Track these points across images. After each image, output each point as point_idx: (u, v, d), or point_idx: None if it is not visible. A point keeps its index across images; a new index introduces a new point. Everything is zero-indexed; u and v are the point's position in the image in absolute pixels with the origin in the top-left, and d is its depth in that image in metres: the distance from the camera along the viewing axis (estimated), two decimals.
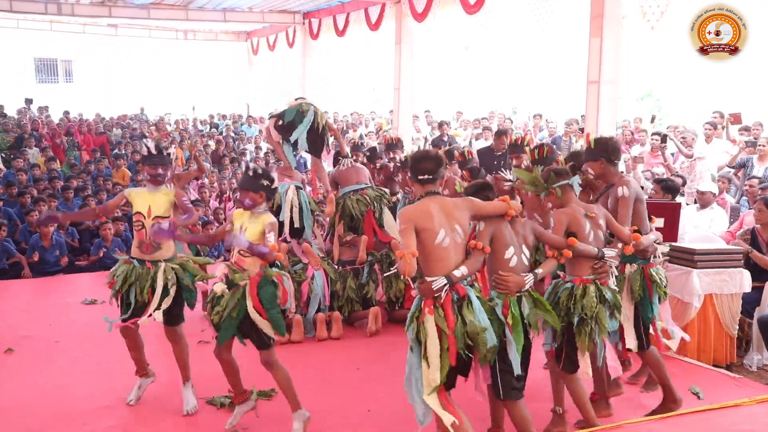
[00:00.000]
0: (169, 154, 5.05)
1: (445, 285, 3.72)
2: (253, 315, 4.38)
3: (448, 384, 3.80)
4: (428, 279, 3.75)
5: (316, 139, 6.79)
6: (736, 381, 5.66)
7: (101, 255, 9.64)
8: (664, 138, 10.84)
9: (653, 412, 4.84)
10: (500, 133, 8.87)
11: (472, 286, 3.89)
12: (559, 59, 21.30)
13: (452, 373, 3.78)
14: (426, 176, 3.92)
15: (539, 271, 4.13)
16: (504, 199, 4.08)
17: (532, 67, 23.65)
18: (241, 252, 4.41)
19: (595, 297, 4.28)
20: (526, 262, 4.13)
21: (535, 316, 4.04)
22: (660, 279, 4.85)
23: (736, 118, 11.24)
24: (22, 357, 6.13)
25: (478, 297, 3.85)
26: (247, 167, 4.53)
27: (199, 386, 5.16)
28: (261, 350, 4.48)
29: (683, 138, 10.85)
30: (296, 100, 6.93)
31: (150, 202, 4.84)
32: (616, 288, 4.53)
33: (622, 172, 4.91)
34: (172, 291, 4.81)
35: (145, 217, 4.81)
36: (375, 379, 5.62)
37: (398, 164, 7.89)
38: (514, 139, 6.93)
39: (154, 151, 4.91)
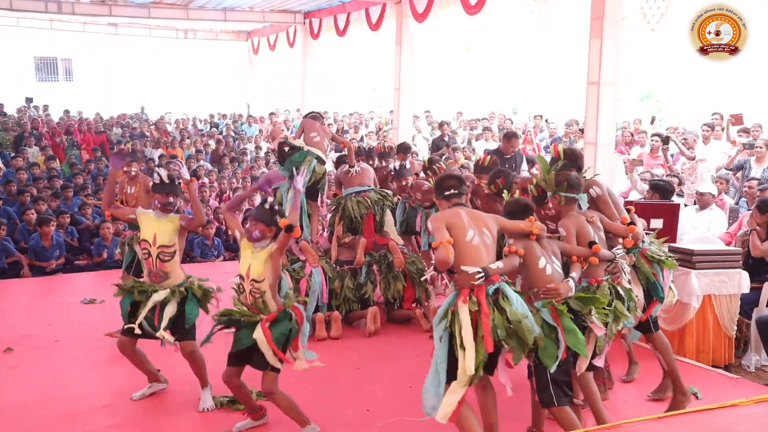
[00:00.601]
0: (179, 184, 5.04)
1: (482, 275, 3.87)
2: (262, 346, 4.34)
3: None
4: (464, 269, 3.89)
5: (314, 190, 7.25)
6: (734, 381, 5.68)
7: (105, 257, 9.65)
8: (666, 139, 10.85)
9: (668, 409, 4.88)
10: (509, 136, 8.81)
11: (506, 282, 4.03)
12: (559, 60, 21.32)
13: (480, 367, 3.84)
14: (452, 191, 4.22)
15: (574, 274, 4.33)
16: (530, 220, 4.27)
17: (533, 68, 23.67)
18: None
19: (609, 291, 4.45)
20: (560, 270, 4.32)
21: (585, 305, 4.21)
22: (661, 255, 5.01)
23: (737, 119, 11.25)
24: (22, 356, 6.13)
25: (514, 290, 4.01)
26: (264, 201, 4.45)
27: (198, 386, 5.17)
28: (264, 377, 4.43)
29: (684, 139, 10.86)
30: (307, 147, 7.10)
31: (156, 229, 4.87)
32: (629, 286, 4.66)
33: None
34: (171, 308, 4.83)
35: (150, 245, 4.86)
36: (374, 380, 5.63)
37: (392, 172, 7.90)
38: (478, 160, 7.00)
39: (166, 180, 4.93)
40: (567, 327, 4.07)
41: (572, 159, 4.97)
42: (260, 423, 4.74)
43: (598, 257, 4.44)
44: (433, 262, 3.99)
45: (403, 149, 8.59)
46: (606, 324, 4.32)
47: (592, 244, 4.45)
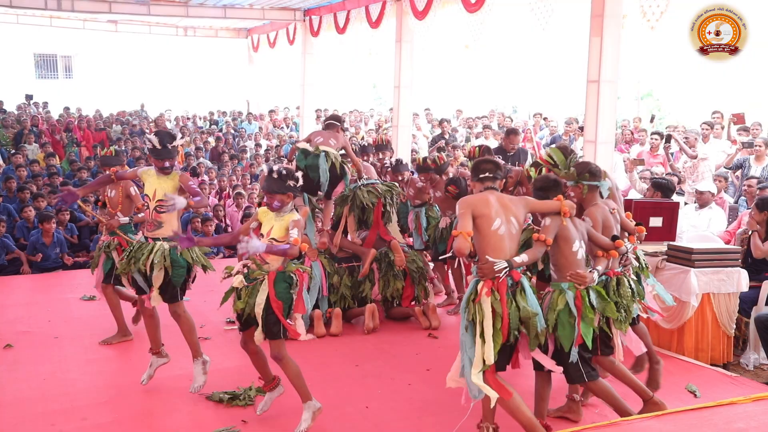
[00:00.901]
0: (174, 147, 5.12)
1: (506, 268, 4.03)
2: (258, 310, 4.39)
3: (498, 365, 4.07)
4: (491, 260, 4.03)
5: (335, 181, 6.91)
6: (733, 380, 5.69)
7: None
8: (668, 138, 10.84)
9: (648, 379, 5.06)
10: (510, 132, 8.84)
11: (525, 274, 4.15)
12: (559, 58, 21.28)
13: (501, 355, 4.06)
14: (486, 174, 4.30)
15: (600, 268, 4.46)
16: (558, 199, 4.32)
17: (533, 66, 23.64)
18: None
19: (629, 287, 4.64)
20: (586, 256, 4.45)
21: (604, 305, 4.37)
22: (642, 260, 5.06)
23: (739, 118, 11.23)
24: (22, 352, 6.14)
25: (530, 285, 4.18)
26: (271, 170, 4.48)
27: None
28: (271, 343, 4.47)
29: (686, 138, 10.86)
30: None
31: (156, 185, 5.08)
32: (635, 278, 4.80)
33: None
34: (159, 269, 4.98)
35: (150, 200, 5.08)
36: (373, 376, 5.64)
37: (387, 166, 7.92)
38: (468, 152, 7.04)
39: (158, 146, 5.04)
40: (585, 315, 4.25)
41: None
42: (277, 393, 4.80)
43: (618, 251, 4.54)
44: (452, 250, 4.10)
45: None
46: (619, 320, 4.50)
47: (615, 238, 4.55)
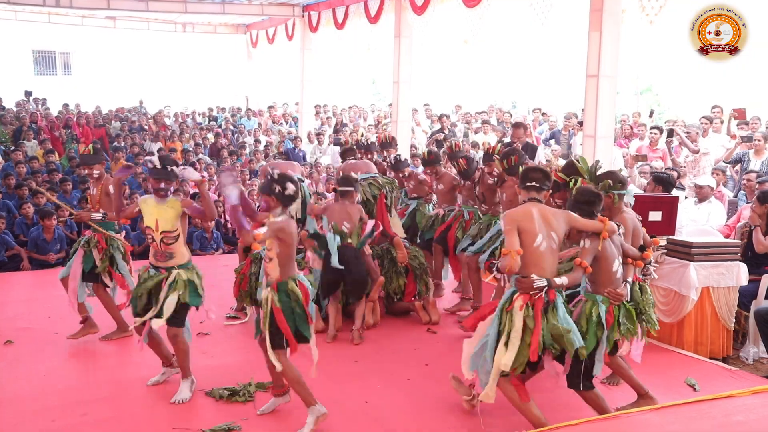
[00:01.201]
0: (173, 171, 5.06)
1: (545, 287, 4.13)
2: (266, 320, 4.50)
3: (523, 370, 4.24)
4: (533, 276, 4.13)
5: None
6: (732, 373, 5.70)
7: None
8: (670, 133, 10.83)
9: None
10: (517, 125, 8.83)
11: (559, 292, 4.22)
12: (558, 53, 21.27)
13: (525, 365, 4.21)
14: (533, 184, 4.37)
15: (630, 280, 4.58)
16: (602, 220, 4.36)
17: (532, 61, 23.60)
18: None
19: (650, 295, 4.84)
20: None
21: (629, 325, 4.48)
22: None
23: (740, 114, 11.21)
24: (21, 348, 6.15)
25: (564, 303, 4.26)
26: (269, 174, 4.57)
27: (199, 377, 5.19)
28: (273, 350, 4.49)
29: (688, 133, 10.84)
30: None
31: (157, 215, 4.98)
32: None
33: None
34: (172, 299, 4.92)
35: (154, 231, 4.99)
36: (373, 371, 5.65)
37: (391, 163, 7.93)
38: (486, 149, 6.97)
39: (158, 165, 5.02)
40: (612, 330, 4.40)
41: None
42: (283, 401, 4.82)
43: (643, 261, 4.66)
44: (497, 264, 4.29)
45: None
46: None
47: (643, 249, 4.67)
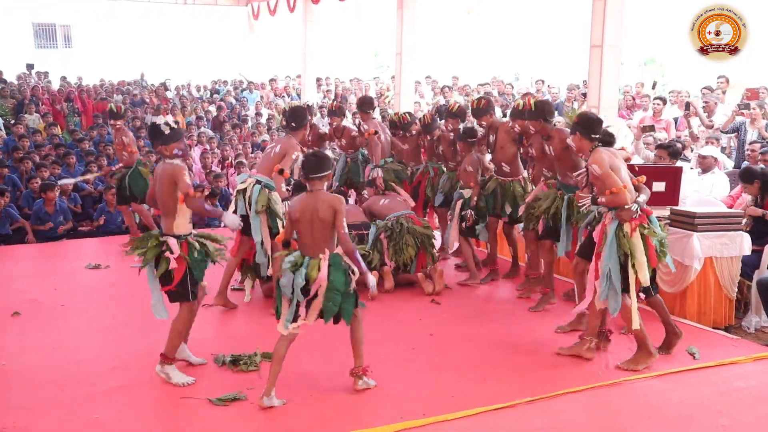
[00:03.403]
0: (179, 128, 4.94)
1: (638, 209, 4.89)
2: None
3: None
4: (626, 207, 4.84)
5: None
6: (734, 342, 5.74)
7: (102, 222, 9.74)
8: (687, 105, 10.72)
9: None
10: (525, 96, 8.83)
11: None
12: (561, 24, 21.11)
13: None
14: (597, 136, 5.08)
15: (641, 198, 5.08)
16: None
17: (535, 32, 23.43)
18: None
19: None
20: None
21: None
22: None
23: (753, 94, 11.09)
24: (28, 320, 6.19)
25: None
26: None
27: (204, 346, 5.25)
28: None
29: (706, 103, 10.67)
30: None
31: None
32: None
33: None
34: (167, 263, 4.72)
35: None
36: (377, 342, 5.66)
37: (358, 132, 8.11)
38: (514, 105, 6.94)
39: (171, 129, 4.78)
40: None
41: (541, 111, 6.11)
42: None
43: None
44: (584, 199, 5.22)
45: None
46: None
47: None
